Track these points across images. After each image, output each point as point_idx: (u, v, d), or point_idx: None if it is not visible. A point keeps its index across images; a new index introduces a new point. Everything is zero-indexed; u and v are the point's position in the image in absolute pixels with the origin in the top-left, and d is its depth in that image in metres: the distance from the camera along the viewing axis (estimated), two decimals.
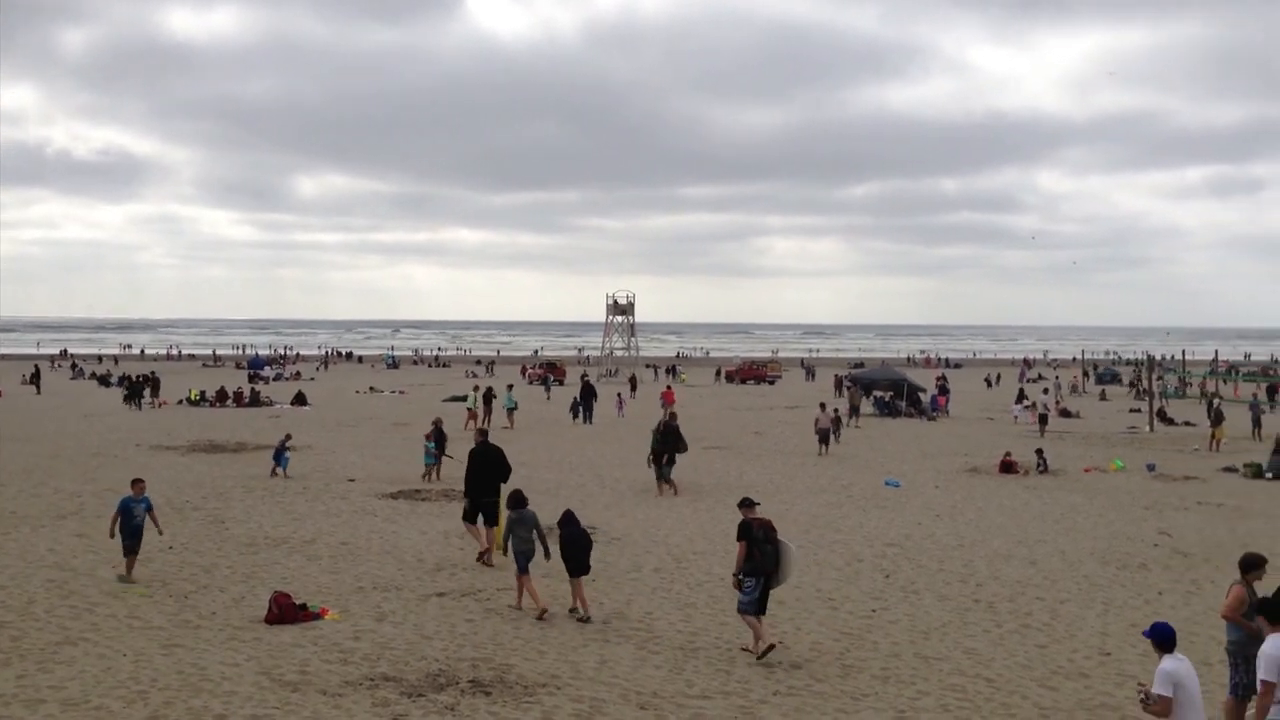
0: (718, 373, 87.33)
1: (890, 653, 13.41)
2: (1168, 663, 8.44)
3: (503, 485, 18.13)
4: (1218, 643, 14.08)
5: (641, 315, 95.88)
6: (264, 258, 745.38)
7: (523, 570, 14.95)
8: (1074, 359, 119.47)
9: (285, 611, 14.06)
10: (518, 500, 15.48)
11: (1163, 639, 8.59)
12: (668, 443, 26.92)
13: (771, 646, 12.99)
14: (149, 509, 16.28)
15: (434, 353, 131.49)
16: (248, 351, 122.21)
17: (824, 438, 34.61)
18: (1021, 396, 49.67)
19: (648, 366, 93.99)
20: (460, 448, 34.53)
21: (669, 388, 54.08)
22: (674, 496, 25.27)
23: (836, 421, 36.64)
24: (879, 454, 34.83)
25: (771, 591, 13.62)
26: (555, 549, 15.05)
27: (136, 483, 16.60)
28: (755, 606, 13.19)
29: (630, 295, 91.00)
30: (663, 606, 15.35)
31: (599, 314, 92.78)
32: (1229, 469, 31.11)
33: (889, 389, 52.93)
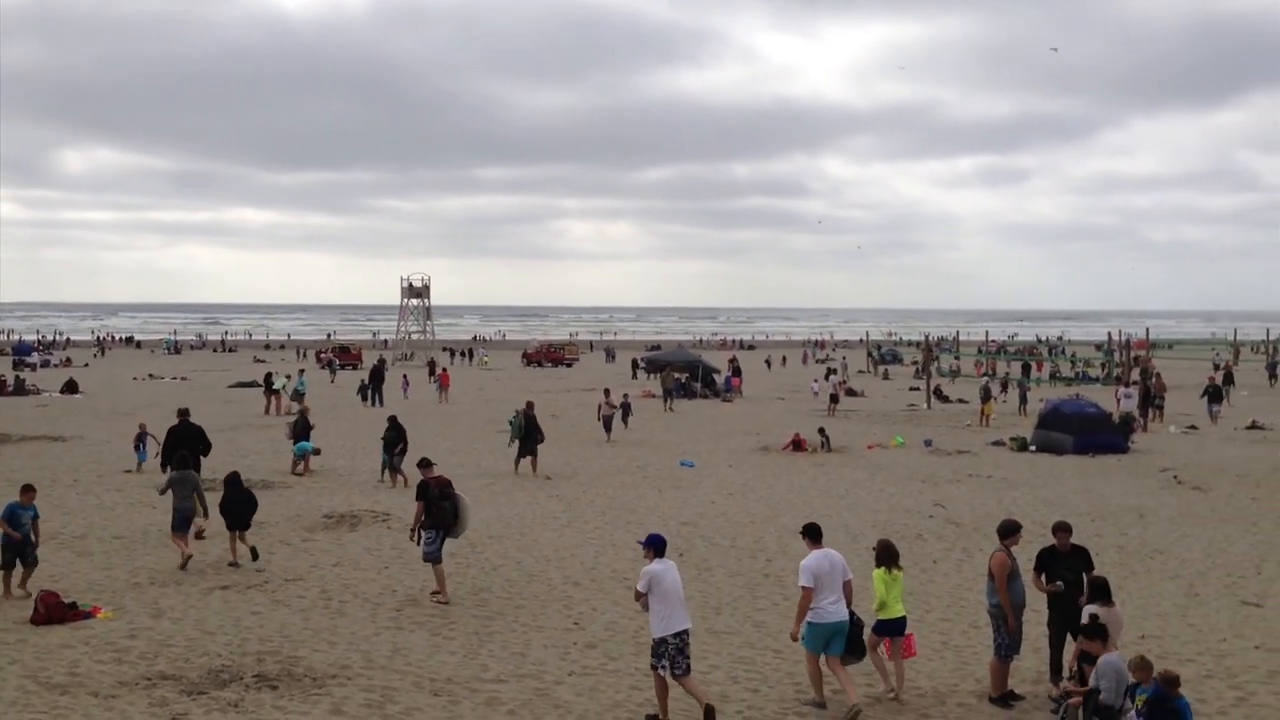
0: (524, 356, 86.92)
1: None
2: (654, 565, 10.49)
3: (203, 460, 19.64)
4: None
5: (438, 298, 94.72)
6: (27, 237, 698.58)
7: (176, 528, 16.36)
8: (860, 340, 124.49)
9: (53, 611, 13.25)
10: (182, 461, 16.97)
11: (652, 545, 10.68)
12: (529, 432, 26.22)
13: (438, 592, 14.60)
14: (35, 518, 14.99)
15: (220, 337, 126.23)
16: (12, 337, 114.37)
17: (608, 424, 33.79)
18: (830, 374, 51.45)
19: (445, 350, 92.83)
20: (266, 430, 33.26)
21: (444, 370, 53.67)
22: (404, 487, 24.16)
23: (625, 407, 36.60)
24: (674, 434, 35.41)
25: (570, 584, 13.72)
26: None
27: (27, 490, 15.07)
28: (438, 555, 14.74)
29: (425, 278, 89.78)
30: (458, 592, 15.19)
31: (395, 297, 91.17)
32: (997, 443, 33.01)
33: (684, 370, 53.88)
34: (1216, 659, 13.02)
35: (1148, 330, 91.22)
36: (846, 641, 10.98)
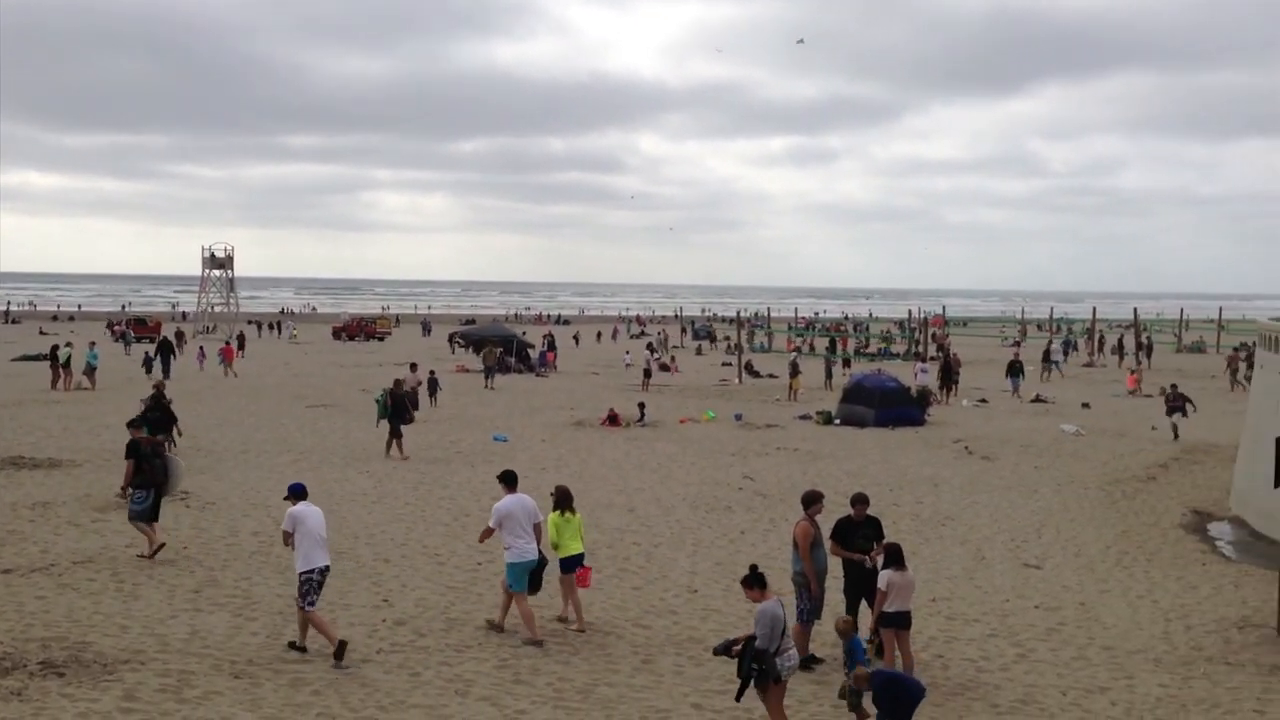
0: (334, 330, 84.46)
1: (493, 604, 13.62)
2: (297, 507, 11.56)
3: None
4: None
5: (243, 269, 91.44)
6: None
7: None
8: (674, 315, 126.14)
9: None
10: None
11: (293, 493, 11.87)
12: (398, 411, 25.01)
13: (162, 545, 15.00)
14: None
15: (3, 307, 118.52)
16: None
17: (413, 403, 31.29)
18: (651, 349, 52.08)
19: (250, 323, 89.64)
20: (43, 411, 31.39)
21: (227, 344, 51.96)
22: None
23: (433, 384, 35.89)
24: (488, 410, 35.16)
25: (349, 575, 13.55)
26: None
27: None
28: (147, 514, 15.06)
29: (229, 248, 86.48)
30: (261, 571, 14.76)
31: (196, 268, 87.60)
32: (804, 417, 34.06)
33: (499, 345, 53.53)
34: (1000, 618, 13.83)
35: (944, 308, 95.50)
36: (530, 578, 12.32)
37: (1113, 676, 11.84)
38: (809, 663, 11.54)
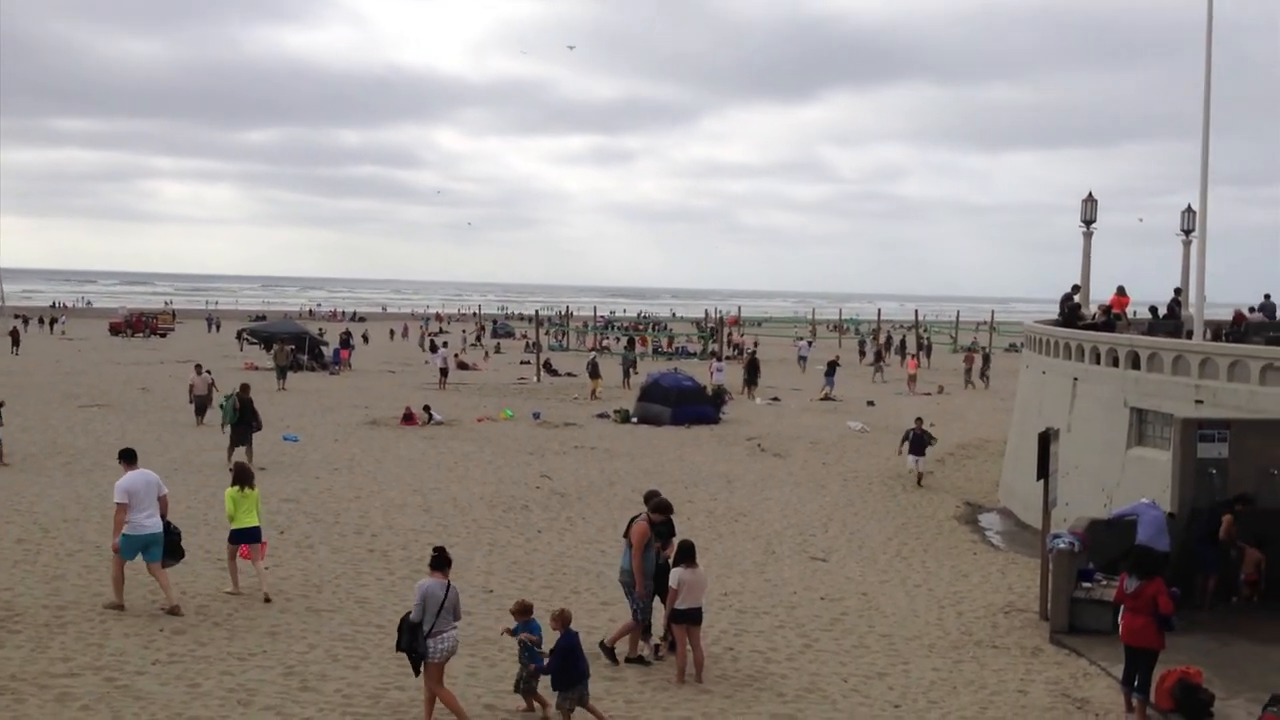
0: (111, 325, 79.88)
1: (281, 609, 13.22)
2: None
3: None
4: (588, 574, 15.56)
5: (9, 261, 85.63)
6: None
7: None
8: (473, 314, 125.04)
9: None
10: None
11: None
12: (244, 417, 23.47)
13: None
14: None
15: None
16: None
17: (201, 406, 30.10)
18: (440, 347, 51.49)
19: (17, 317, 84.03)
20: None
21: None
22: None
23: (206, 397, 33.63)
24: (279, 409, 33.95)
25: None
26: None
27: None
28: None
29: None
30: (26, 581, 13.86)
31: None
32: (603, 415, 34.31)
33: (290, 342, 51.81)
34: (788, 610, 14.28)
35: (740, 309, 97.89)
36: (165, 549, 12.80)
37: (890, 663, 12.40)
38: (639, 661, 11.77)
